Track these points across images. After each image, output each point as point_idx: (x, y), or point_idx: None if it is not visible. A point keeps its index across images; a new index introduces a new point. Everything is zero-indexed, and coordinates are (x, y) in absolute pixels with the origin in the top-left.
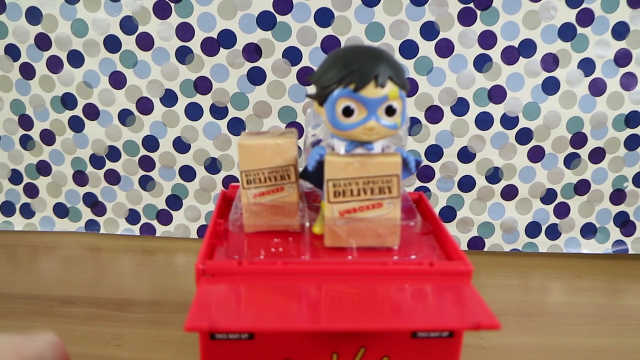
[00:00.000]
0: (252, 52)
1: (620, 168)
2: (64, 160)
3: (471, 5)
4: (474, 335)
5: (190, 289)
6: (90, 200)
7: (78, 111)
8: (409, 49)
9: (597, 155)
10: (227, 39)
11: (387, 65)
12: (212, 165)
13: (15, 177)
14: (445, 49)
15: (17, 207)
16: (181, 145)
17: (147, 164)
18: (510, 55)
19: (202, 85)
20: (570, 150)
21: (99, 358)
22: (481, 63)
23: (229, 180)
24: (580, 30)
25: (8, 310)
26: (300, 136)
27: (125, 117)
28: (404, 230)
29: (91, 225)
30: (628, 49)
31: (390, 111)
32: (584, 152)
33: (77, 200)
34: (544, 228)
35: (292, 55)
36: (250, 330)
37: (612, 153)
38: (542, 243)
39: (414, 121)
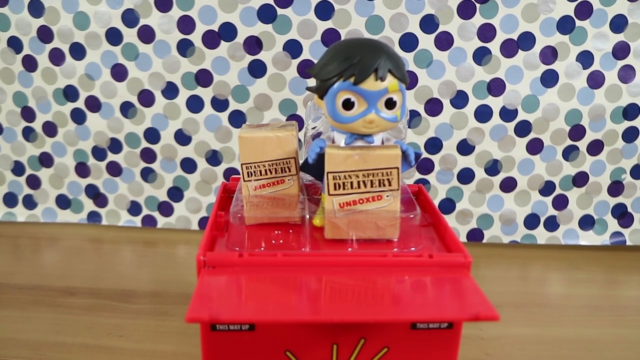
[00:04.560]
0: (253, 45)
1: (618, 160)
2: (66, 152)
3: None
4: (473, 326)
5: (191, 280)
6: (92, 192)
7: (80, 103)
8: (408, 41)
9: (596, 147)
10: (228, 31)
11: (387, 58)
12: (213, 158)
13: (17, 168)
14: (444, 42)
15: (20, 198)
16: (182, 138)
17: (148, 156)
18: (510, 48)
19: (203, 77)
20: (569, 142)
21: (100, 348)
22: (480, 56)
23: (229, 173)
24: (578, 23)
25: (11, 301)
26: (300, 129)
27: (126, 109)
28: (404, 222)
29: (93, 216)
30: (626, 41)
31: (390, 104)
32: (582, 145)
33: (79, 191)
34: (542, 220)
35: (293, 48)
36: (251, 321)
37: (610, 145)
38: (541, 235)
39: (414, 114)
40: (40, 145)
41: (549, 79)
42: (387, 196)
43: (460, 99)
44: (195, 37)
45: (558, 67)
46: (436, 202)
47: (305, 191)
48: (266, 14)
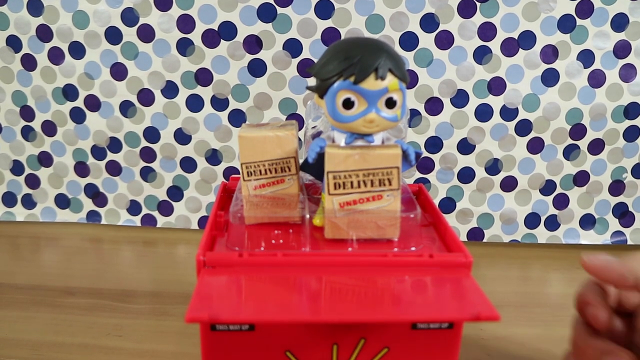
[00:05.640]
0: (253, 44)
1: (619, 159)
2: (65, 151)
3: None
4: (474, 326)
5: (191, 280)
6: (92, 191)
7: (79, 102)
8: (409, 41)
9: (596, 146)
10: (227, 30)
11: (387, 57)
12: (213, 157)
13: (16, 168)
14: (445, 40)
15: (19, 197)
16: (182, 137)
17: (148, 155)
18: (510, 47)
19: (203, 76)
20: (570, 141)
21: (100, 348)
22: (481, 55)
23: (229, 172)
24: (579, 22)
25: (10, 301)
26: (300, 128)
27: (126, 108)
28: (404, 222)
29: (92, 216)
30: (627, 40)
31: (390, 103)
32: (583, 144)
33: (79, 191)
34: (543, 219)
35: (293, 47)
36: (251, 321)
37: (611, 144)
38: (541, 234)
39: (414, 113)
40: (40, 144)
41: (550, 78)
42: (388, 196)
43: (460, 98)
44: (195, 36)
45: (559, 66)
46: (436, 202)
47: (305, 191)
48: (266, 13)
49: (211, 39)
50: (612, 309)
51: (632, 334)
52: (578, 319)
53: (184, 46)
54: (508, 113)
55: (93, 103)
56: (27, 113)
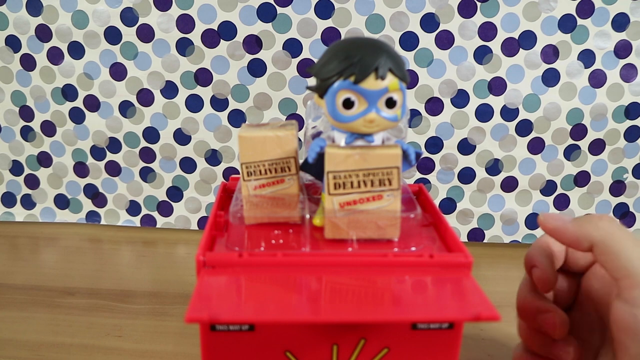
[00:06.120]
0: (253, 43)
1: (620, 159)
2: (64, 152)
3: None
4: (474, 326)
5: (191, 280)
6: (91, 192)
7: (79, 102)
8: (409, 40)
9: (597, 146)
10: (227, 30)
11: (388, 57)
12: (213, 157)
13: (16, 168)
14: (445, 40)
15: (18, 198)
16: (182, 137)
17: (147, 155)
18: (511, 47)
19: (203, 77)
20: (570, 141)
21: (99, 349)
22: (481, 55)
23: (229, 172)
24: (580, 21)
25: (9, 301)
26: (300, 128)
27: (125, 108)
28: (404, 222)
29: (92, 216)
30: (628, 40)
31: (390, 103)
32: (583, 144)
33: (78, 191)
34: None
35: (293, 47)
36: (251, 321)
37: (612, 144)
38: (542, 234)
39: (414, 113)
40: (39, 144)
41: (550, 78)
42: (388, 196)
43: (461, 98)
44: (195, 36)
45: (559, 66)
46: (437, 202)
47: (305, 191)
48: (266, 13)
49: (211, 39)
50: (560, 268)
51: (577, 293)
52: (526, 277)
53: (184, 46)
54: (508, 113)
55: (92, 103)
56: (26, 113)
